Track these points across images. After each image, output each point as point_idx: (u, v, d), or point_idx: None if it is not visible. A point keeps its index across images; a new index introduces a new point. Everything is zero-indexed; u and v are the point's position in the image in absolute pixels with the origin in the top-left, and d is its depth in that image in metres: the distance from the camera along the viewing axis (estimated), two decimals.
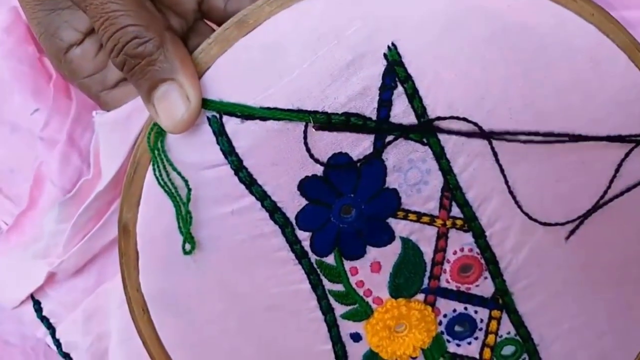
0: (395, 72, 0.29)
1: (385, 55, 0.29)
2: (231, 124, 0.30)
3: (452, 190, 0.31)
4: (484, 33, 0.29)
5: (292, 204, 0.31)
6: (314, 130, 0.30)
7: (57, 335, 0.37)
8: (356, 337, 0.34)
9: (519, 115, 0.30)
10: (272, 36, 0.29)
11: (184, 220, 0.31)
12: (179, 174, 0.30)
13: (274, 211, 0.31)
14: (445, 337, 0.35)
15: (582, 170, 0.31)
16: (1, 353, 0.39)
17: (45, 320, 0.37)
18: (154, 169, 0.31)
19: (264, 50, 0.29)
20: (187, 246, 0.32)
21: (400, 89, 0.30)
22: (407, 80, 0.30)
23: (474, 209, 0.32)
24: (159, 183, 0.31)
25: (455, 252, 0.33)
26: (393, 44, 0.29)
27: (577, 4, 0.30)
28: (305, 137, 0.29)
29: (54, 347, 0.37)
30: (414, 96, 0.30)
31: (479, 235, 0.32)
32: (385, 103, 0.30)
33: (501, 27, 0.29)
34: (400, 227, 0.32)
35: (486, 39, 0.29)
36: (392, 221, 0.32)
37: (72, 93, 0.38)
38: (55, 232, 0.35)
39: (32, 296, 0.37)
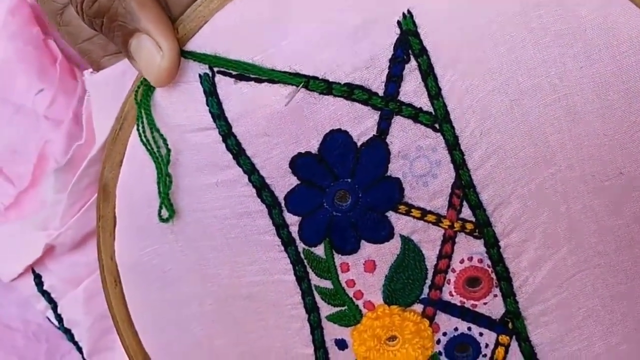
0: (410, 43, 0.26)
1: (399, 22, 0.26)
2: (223, 85, 0.27)
3: (464, 188, 0.27)
4: (514, 8, 0.25)
5: (282, 182, 0.28)
6: (311, 99, 0.26)
7: (59, 311, 0.35)
8: (341, 344, 0.31)
9: (548, 108, 0.26)
10: None
11: (164, 183, 0.29)
12: (157, 131, 0.28)
13: (261, 188, 0.28)
14: (443, 359, 0.30)
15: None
16: (3, 337, 0.38)
17: (46, 294, 0.36)
18: (137, 125, 0.28)
19: (268, 6, 0.26)
20: (164, 213, 0.29)
21: (413, 63, 0.26)
22: (422, 54, 0.26)
23: (488, 212, 0.28)
24: (141, 140, 0.28)
25: (462, 261, 0.29)
26: (409, 11, 0.26)
27: None
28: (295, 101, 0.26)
29: (55, 322, 0.36)
30: (428, 73, 0.26)
31: (492, 245, 0.28)
32: (394, 78, 0.26)
33: (535, 2, 0.25)
34: (402, 223, 0.28)
35: (516, 14, 0.25)
36: (392, 215, 0.28)
37: (77, 75, 0.37)
38: (54, 202, 0.34)
39: (32, 270, 0.36)
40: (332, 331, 0.30)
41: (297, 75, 0.26)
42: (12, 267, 0.36)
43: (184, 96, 0.28)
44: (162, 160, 0.29)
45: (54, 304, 0.36)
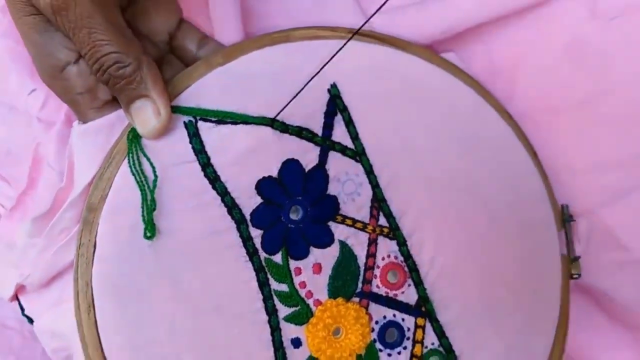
0: (336, 102, 0.39)
1: (328, 90, 0.39)
2: (205, 127, 0.36)
3: (379, 202, 0.38)
4: (396, 85, 0.40)
5: (249, 202, 0.36)
6: (274, 136, 0.37)
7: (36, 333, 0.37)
8: (296, 343, 0.36)
9: (415, 141, 0.39)
10: (247, 66, 0.38)
11: (148, 206, 0.35)
12: (148, 159, 0.35)
13: (232, 207, 0.36)
14: (378, 345, 0.38)
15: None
16: (0, 336, 0.37)
17: (28, 318, 0.37)
18: (129, 158, 0.35)
19: (239, 76, 0.38)
20: (148, 232, 0.35)
21: (339, 116, 0.39)
22: (345, 110, 0.39)
23: (397, 219, 0.39)
24: (131, 169, 0.35)
25: (383, 258, 0.38)
26: (334, 83, 0.39)
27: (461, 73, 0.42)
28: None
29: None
30: (349, 123, 0.39)
31: (402, 244, 0.39)
32: (328, 125, 0.38)
33: (403, 81, 0.40)
34: (339, 230, 0.38)
35: (397, 90, 0.40)
36: (332, 225, 0.37)
37: None
38: (26, 246, 0.36)
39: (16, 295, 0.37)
40: (289, 331, 0.36)
41: (264, 118, 0.37)
42: (5, 290, 0.38)
43: (170, 138, 0.36)
44: (148, 187, 0.35)
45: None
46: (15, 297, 0.39)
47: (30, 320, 0.38)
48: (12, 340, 0.39)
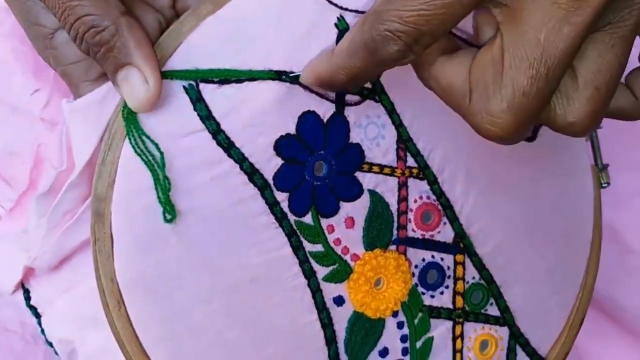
0: None
1: (335, 24, 0.34)
2: (208, 90, 0.32)
3: (405, 141, 0.36)
4: None
5: (269, 164, 0.33)
6: (284, 89, 0.33)
7: (42, 325, 0.35)
8: (339, 301, 0.35)
9: None
10: (241, 10, 0.33)
11: (162, 186, 0.32)
12: (147, 137, 0.31)
13: (252, 173, 0.33)
14: (420, 289, 0.37)
15: None
16: (1, 340, 0.37)
17: (32, 308, 0.36)
18: (129, 139, 0.32)
19: (234, 22, 0.33)
20: (167, 215, 0.32)
21: None
22: None
23: (425, 157, 0.36)
24: (135, 151, 0.31)
25: (415, 200, 0.36)
26: (341, 16, 0.35)
27: None
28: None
29: (42, 336, 0.35)
30: None
31: (433, 182, 0.36)
32: None
33: None
34: (367, 180, 0.35)
35: None
36: (359, 175, 0.35)
37: None
38: (36, 227, 0.34)
39: (22, 284, 0.36)
40: (330, 291, 0.35)
41: (271, 72, 0.33)
42: (9, 281, 0.37)
43: (171, 107, 0.32)
44: (158, 166, 0.32)
45: (39, 318, 0.36)
46: (21, 285, 0.37)
47: (35, 313, 0.37)
48: (13, 344, 0.38)
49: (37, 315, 0.36)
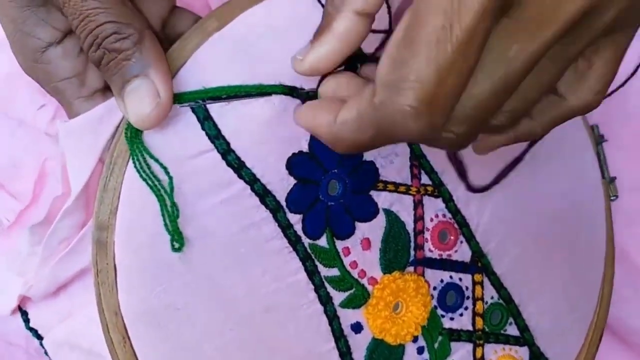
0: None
1: None
2: (215, 107, 0.31)
3: (418, 158, 0.35)
4: None
5: (282, 185, 0.32)
6: (296, 104, 0.31)
7: (45, 347, 0.34)
8: (357, 328, 0.33)
9: None
10: (247, 26, 0.32)
11: (170, 214, 0.29)
12: (156, 161, 0.29)
13: (264, 195, 0.31)
14: (439, 312, 0.35)
15: None
16: (4, 354, 0.35)
17: (33, 330, 0.34)
18: (134, 162, 0.29)
19: (241, 38, 0.31)
20: (175, 244, 0.30)
21: None
22: None
23: (439, 175, 0.35)
24: (141, 176, 0.29)
25: (432, 219, 0.35)
26: None
27: None
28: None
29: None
30: None
31: (448, 200, 0.35)
32: None
33: None
34: (382, 199, 0.34)
35: None
36: (374, 193, 0.33)
37: None
38: (30, 253, 0.33)
39: (20, 307, 0.34)
40: (347, 317, 0.33)
41: (282, 86, 0.31)
42: (5, 304, 0.35)
43: (177, 128, 0.30)
44: (165, 191, 0.30)
45: (40, 339, 0.34)
46: (18, 309, 0.35)
47: (36, 334, 0.35)
48: (17, 357, 0.37)
49: (39, 337, 0.34)
